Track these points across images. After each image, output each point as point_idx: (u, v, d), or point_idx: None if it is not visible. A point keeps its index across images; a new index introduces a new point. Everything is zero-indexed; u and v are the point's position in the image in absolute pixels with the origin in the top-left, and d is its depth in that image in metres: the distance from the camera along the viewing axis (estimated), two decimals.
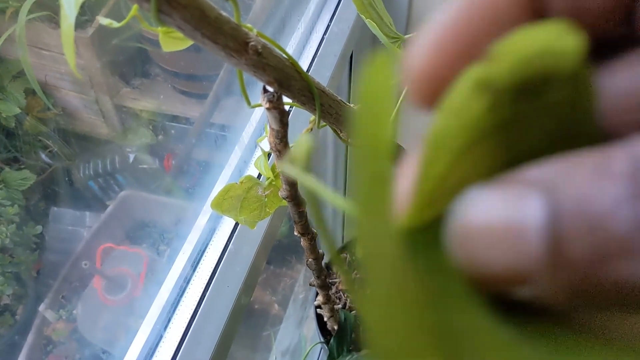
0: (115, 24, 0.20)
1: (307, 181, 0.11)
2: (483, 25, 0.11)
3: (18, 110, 0.87)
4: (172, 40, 0.24)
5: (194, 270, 0.51)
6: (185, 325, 0.47)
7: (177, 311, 0.48)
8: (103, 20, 0.21)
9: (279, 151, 0.31)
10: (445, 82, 0.11)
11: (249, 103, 0.31)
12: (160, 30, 0.23)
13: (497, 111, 0.10)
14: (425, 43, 0.11)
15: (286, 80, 0.27)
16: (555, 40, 0.10)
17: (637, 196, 0.08)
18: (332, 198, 0.12)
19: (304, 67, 0.46)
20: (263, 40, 0.25)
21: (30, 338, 0.78)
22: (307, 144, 0.11)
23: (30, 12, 0.79)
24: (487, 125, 0.10)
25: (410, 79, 0.12)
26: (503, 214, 0.09)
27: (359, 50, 0.84)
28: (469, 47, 0.11)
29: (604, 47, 0.12)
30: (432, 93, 0.12)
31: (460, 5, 0.11)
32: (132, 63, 0.90)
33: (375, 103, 0.10)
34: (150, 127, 0.91)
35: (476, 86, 0.10)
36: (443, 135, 0.10)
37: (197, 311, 0.48)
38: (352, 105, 0.34)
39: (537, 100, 0.10)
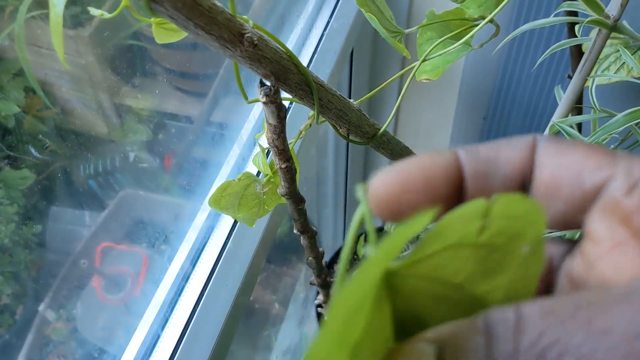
0: (107, 15, 0.20)
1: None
2: (418, 187, 0.16)
3: (17, 109, 0.86)
4: (166, 32, 0.24)
5: (192, 269, 0.50)
6: (183, 324, 0.46)
7: (175, 311, 0.47)
8: (95, 11, 0.20)
9: (277, 147, 0.31)
10: (395, 206, 0.16)
11: (246, 98, 0.30)
12: (153, 21, 0.23)
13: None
14: (382, 182, 0.16)
15: (283, 74, 0.27)
16: (533, 211, 0.13)
17: None
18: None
19: (304, 64, 0.46)
20: (259, 32, 0.25)
21: (29, 338, 0.78)
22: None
23: (29, 10, 0.79)
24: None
25: (373, 201, 0.17)
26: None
27: (359, 46, 0.84)
28: (407, 196, 0.16)
29: None
30: (387, 211, 0.17)
31: (407, 167, 0.16)
32: (132, 61, 0.89)
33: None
34: (151, 125, 0.91)
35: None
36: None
37: (195, 310, 0.47)
38: (352, 101, 0.34)
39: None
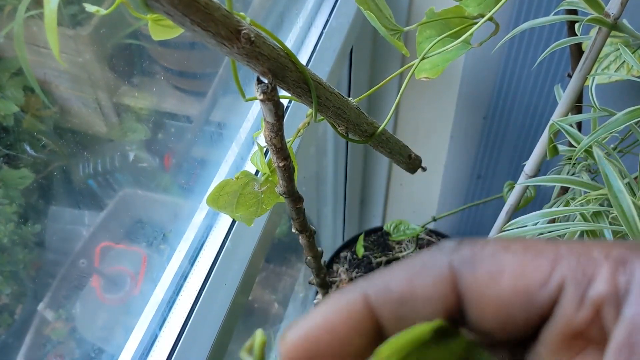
0: (103, 12, 0.20)
1: None
2: (330, 350, 0.15)
3: (17, 109, 0.86)
4: (162, 29, 0.24)
5: (191, 268, 0.50)
6: (181, 324, 0.46)
7: (172, 310, 0.47)
8: (90, 7, 0.20)
9: (275, 145, 0.31)
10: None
11: (243, 96, 0.30)
12: (149, 17, 0.23)
13: None
14: (288, 349, 0.15)
15: (281, 71, 0.26)
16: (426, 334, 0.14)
17: None
18: None
19: (303, 62, 0.46)
20: (256, 29, 0.25)
21: (28, 337, 0.78)
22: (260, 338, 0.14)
23: (28, 9, 0.78)
24: None
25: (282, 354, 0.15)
26: None
27: (359, 44, 0.83)
28: (318, 349, 0.15)
29: None
30: None
31: (313, 330, 0.15)
32: (131, 61, 0.89)
33: None
34: (150, 124, 0.91)
35: None
36: None
37: (194, 310, 0.47)
38: (351, 99, 0.34)
39: None
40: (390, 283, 0.15)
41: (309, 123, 0.35)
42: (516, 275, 0.14)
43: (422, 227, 0.86)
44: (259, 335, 0.14)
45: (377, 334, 0.15)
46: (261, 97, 0.27)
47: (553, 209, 0.46)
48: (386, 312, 0.15)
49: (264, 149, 0.39)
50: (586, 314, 0.13)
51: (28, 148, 0.83)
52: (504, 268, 0.14)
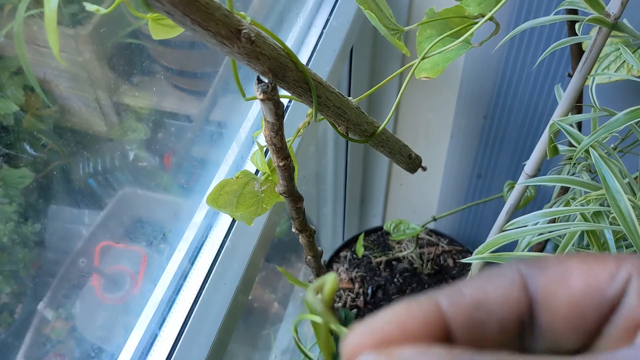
0: (103, 11, 0.20)
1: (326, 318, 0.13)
2: (398, 338, 0.15)
3: (16, 108, 0.86)
4: (162, 28, 0.24)
5: (191, 267, 0.50)
6: (181, 323, 0.46)
7: (172, 309, 0.47)
8: (90, 6, 0.20)
9: (275, 144, 0.31)
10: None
11: (243, 95, 0.30)
12: (149, 16, 0.23)
13: None
14: (355, 342, 0.15)
15: (281, 71, 0.26)
16: None
17: None
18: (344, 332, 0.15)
19: (303, 62, 0.46)
20: (257, 28, 0.25)
21: (28, 337, 0.78)
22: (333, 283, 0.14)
23: (28, 8, 0.78)
24: None
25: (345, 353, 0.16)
26: None
27: (359, 44, 0.83)
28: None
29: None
30: None
31: (383, 325, 0.15)
32: (131, 60, 0.89)
33: None
34: (150, 124, 0.91)
35: None
36: None
37: (194, 309, 0.47)
38: (351, 98, 0.34)
39: None
40: (463, 289, 0.15)
41: (309, 122, 0.35)
42: (585, 274, 0.14)
43: (422, 226, 0.86)
44: (331, 278, 0.14)
45: (445, 339, 0.15)
46: (261, 96, 0.27)
47: (553, 208, 0.45)
48: (459, 316, 0.15)
49: (264, 149, 0.39)
50: None
51: (28, 147, 0.83)
52: (571, 269, 0.15)
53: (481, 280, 0.15)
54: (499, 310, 0.15)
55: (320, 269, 0.49)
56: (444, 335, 0.15)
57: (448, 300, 0.15)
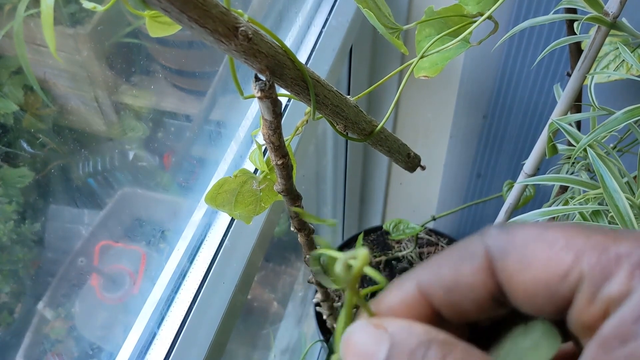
0: (100, 8, 0.20)
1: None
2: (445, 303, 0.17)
3: (16, 107, 0.86)
4: (159, 26, 0.24)
5: (190, 266, 0.50)
6: (179, 322, 0.46)
7: (171, 308, 0.47)
8: (87, 4, 0.20)
9: (273, 143, 0.31)
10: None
11: (241, 93, 0.30)
12: (146, 14, 0.23)
13: None
14: (393, 294, 0.17)
15: (279, 68, 0.26)
16: None
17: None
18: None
19: (302, 61, 0.45)
20: (254, 26, 0.25)
21: (28, 336, 0.78)
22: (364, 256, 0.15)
23: (28, 8, 0.78)
24: None
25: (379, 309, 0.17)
26: (368, 344, 0.16)
27: (358, 43, 0.83)
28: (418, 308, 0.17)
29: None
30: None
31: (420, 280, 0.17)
32: (131, 60, 0.89)
33: None
34: (150, 124, 0.91)
35: None
36: None
37: (192, 308, 0.47)
38: (349, 97, 0.34)
39: None
40: (439, 272, 0.17)
41: (307, 121, 0.35)
42: (540, 268, 0.15)
43: (422, 226, 0.86)
44: (364, 253, 0.15)
45: (436, 316, 0.17)
46: (259, 94, 0.27)
47: (552, 207, 0.45)
48: (438, 299, 0.16)
49: (263, 147, 0.39)
50: (596, 310, 0.14)
51: (27, 147, 0.83)
52: (531, 260, 0.15)
53: (455, 261, 0.16)
54: (470, 293, 0.16)
55: None
56: (434, 313, 0.17)
57: (426, 282, 0.17)
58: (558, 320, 0.16)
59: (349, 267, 0.15)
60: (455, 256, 0.17)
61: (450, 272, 0.16)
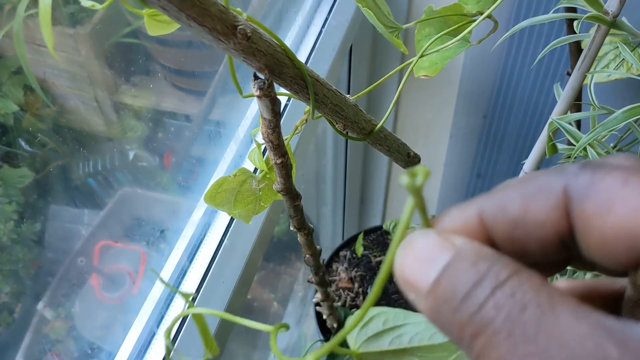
0: (98, 6, 0.20)
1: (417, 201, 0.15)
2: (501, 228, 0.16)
3: (16, 108, 0.86)
4: (158, 24, 0.24)
5: (189, 266, 0.50)
6: (178, 322, 0.46)
7: (170, 308, 0.47)
8: (86, 2, 0.20)
9: (272, 142, 0.31)
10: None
11: (240, 92, 0.30)
12: (145, 12, 0.23)
13: None
14: (452, 218, 0.16)
15: (277, 67, 0.26)
16: None
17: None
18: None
19: (302, 61, 0.45)
20: (253, 24, 0.25)
21: (28, 336, 0.78)
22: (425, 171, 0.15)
23: (28, 8, 0.78)
24: None
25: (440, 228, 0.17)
26: (431, 249, 0.15)
27: (358, 43, 0.83)
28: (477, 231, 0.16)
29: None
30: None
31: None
32: (131, 60, 0.89)
33: None
34: (150, 123, 0.91)
35: None
36: None
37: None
38: (349, 96, 0.34)
39: None
40: (507, 203, 0.15)
41: (306, 120, 0.35)
42: (625, 215, 0.13)
43: None
44: (423, 168, 0.14)
45: (489, 244, 0.15)
46: (257, 93, 0.26)
47: None
48: (499, 232, 0.15)
49: (262, 146, 0.39)
50: None
51: (27, 147, 0.83)
52: (613, 206, 0.14)
53: (526, 194, 0.15)
54: (538, 231, 0.15)
55: (319, 268, 0.49)
56: (489, 244, 0.15)
57: (491, 213, 0.15)
58: (624, 272, 0.14)
59: (414, 176, 0.14)
60: (528, 189, 0.15)
61: (519, 205, 0.15)
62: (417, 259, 0.15)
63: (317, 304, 0.70)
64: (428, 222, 0.16)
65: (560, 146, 0.49)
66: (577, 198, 0.14)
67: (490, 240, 0.16)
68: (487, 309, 0.13)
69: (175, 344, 0.45)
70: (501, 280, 0.13)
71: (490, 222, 0.15)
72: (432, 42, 0.39)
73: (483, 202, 0.16)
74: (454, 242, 0.15)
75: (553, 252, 0.15)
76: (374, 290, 0.15)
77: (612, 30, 0.40)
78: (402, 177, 0.14)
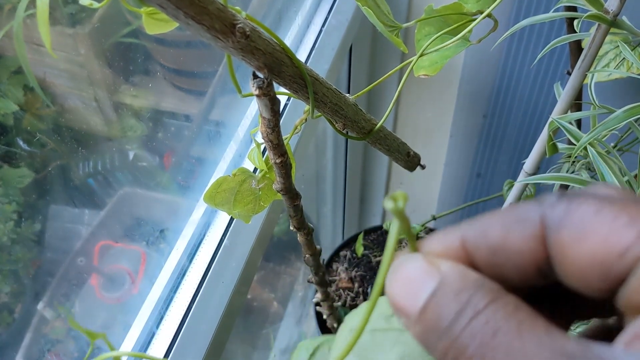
0: (96, 4, 0.20)
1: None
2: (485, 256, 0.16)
3: (16, 107, 0.86)
4: (156, 22, 0.24)
5: (189, 266, 0.50)
6: (178, 322, 0.46)
7: (170, 307, 0.47)
8: (84, 0, 0.20)
9: (271, 141, 0.30)
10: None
11: (239, 91, 0.30)
12: (143, 11, 0.22)
13: None
14: (437, 242, 0.17)
15: (277, 66, 0.26)
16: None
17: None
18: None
19: (302, 60, 0.45)
20: (252, 23, 0.24)
21: (28, 336, 0.78)
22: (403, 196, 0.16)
23: (28, 8, 0.78)
24: None
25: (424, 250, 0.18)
26: (417, 275, 0.16)
27: (358, 42, 0.83)
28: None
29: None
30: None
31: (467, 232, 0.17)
32: (131, 60, 0.89)
33: None
34: (150, 123, 0.91)
35: None
36: None
37: (191, 308, 0.47)
38: (348, 95, 0.33)
39: None
40: (488, 231, 0.16)
41: (306, 119, 0.35)
42: (598, 243, 0.14)
43: (422, 225, 0.86)
44: (401, 192, 0.15)
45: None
46: (257, 92, 0.26)
47: None
48: (480, 257, 0.16)
49: (262, 146, 0.39)
50: None
51: (27, 147, 0.83)
52: (589, 234, 0.14)
53: (506, 223, 0.16)
54: (516, 258, 0.16)
55: (319, 268, 0.49)
56: (471, 267, 0.16)
57: (472, 239, 0.16)
58: (601, 297, 0.15)
59: (396, 200, 0.15)
60: (508, 218, 0.16)
61: (499, 233, 0.16)
62: (405, 284, 0.16)
63: (317, 304, 0.70)
64: (415, 245, 0.17)
65: (560, 145, 0.49)
66: (553, 227, 0.15)
67: (471, 265, 0.16)
68: (464, 336, 0.14)
69: (176, 344, 0.45)
70: (479, 310, 0.14)
71: (472, 248, 0.16)
72: (432, 41, 0.39)
73: (466, 229, 0.17)
74: (440, 267, 0.16)
75: (530, 278, 0.16)
76: (365, 317, 0.16)
77: (612, 30, 0.40)
78: (387, 202, 0.15)
